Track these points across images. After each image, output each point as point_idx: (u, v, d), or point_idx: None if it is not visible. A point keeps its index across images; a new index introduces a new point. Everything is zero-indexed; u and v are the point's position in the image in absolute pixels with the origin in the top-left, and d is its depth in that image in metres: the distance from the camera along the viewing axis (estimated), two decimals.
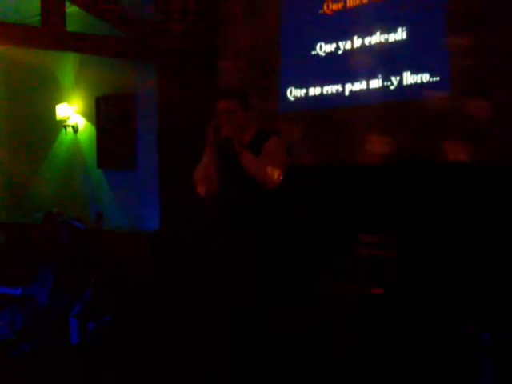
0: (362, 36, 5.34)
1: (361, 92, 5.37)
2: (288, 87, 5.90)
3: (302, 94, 5.80)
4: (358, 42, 5.39)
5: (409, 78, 5.04)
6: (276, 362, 3.57)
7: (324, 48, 5.64)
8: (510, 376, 3.52)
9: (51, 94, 7.84)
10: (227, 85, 6.11)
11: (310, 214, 5.29)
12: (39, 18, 6.07)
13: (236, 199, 3.53)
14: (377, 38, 5.25)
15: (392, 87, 5.15)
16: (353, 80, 5.42)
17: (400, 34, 5.09)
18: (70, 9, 6.36)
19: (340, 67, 5.53)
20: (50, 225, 6.35)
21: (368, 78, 5.31)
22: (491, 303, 3.91)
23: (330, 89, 5.58)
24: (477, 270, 4.19)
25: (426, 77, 4.93)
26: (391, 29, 5.14)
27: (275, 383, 3.57)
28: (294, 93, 5.87)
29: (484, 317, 3.75)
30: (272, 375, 3.50)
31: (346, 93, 5.48)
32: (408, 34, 5.05)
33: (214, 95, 5.47)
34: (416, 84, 5.00)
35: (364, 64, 5.35)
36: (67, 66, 7.76)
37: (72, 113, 7.68)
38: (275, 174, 3.38)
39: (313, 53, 5.71)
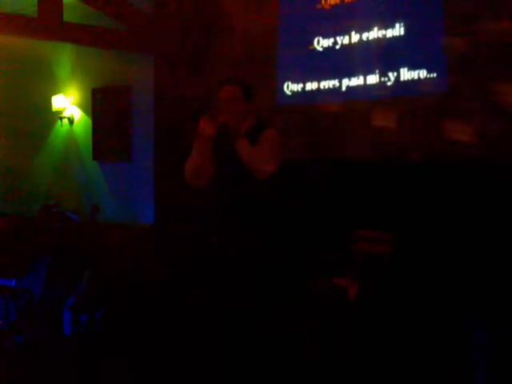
0: (360, 31, 5.33)
1: (358, 87, 5.37)
2: (285, 81, 5.89)
3: (299, 89, 5.80)
4: (355, 37, 5.38)
5: (406, 74, 5.04)
6: (271, 359, 3.58)
7: (321, 43, 5.63)
8: (505, 375, 3.52)
9: (47, 85, 7.81)
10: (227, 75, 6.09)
11: (307, 209, 5.28)
12: (36, 8, 6.05)
13: (230, 189, 3.52)
14: (374, 34, 5.24)
15: (389, 83, 5.14)
16: (350, 75, 5.41)
17: (398, 30, 5.09)
18: None
19: (337, 62, 5.51)
20: (43, 215, 6.36)
21: (365, 73, 5.30)
22: (489, 301, 3.90)
23: (327, 84, 5.58)
24: (475, 266, 4.18)
25: (423, 73, 4.93)
26: (389, 24, 5.13)
27: (268, 380, 3.58)
28: (291, 87, 5.86)
29: (482, 314, 3.74)
30: (265, 372, 3.50)
31: (343, 88, 5.47)
32: (406, 30, 5.05)
33: (211, 86, 5.49)
34: (413, 80, 4.99)
35: (361, 59, 5.34)
36: (63, 57, 7.73)
37: (68, 104, 7.65)
38: (269, 163, 3.38)
39: (310, 47, 5.70)
